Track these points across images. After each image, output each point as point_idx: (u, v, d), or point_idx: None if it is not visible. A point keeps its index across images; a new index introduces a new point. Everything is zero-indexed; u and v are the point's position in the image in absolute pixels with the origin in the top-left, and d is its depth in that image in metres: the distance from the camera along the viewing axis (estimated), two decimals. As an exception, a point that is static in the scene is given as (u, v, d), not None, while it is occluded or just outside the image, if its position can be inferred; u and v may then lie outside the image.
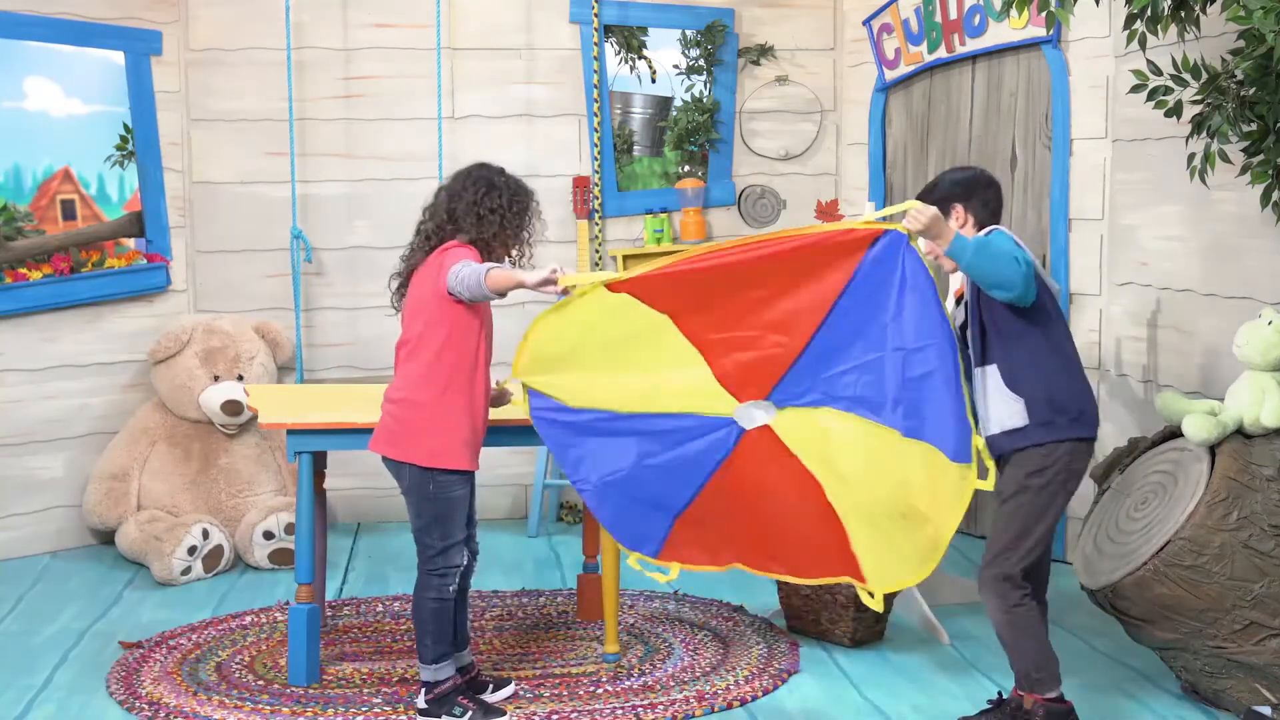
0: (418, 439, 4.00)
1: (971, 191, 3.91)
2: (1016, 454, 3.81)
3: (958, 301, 3.99)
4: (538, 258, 6.68)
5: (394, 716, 4.14)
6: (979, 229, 3.89)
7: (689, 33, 6.71)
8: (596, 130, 6.59)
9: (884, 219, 3.78)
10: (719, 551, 4.08)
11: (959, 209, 3.90)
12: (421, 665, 4.13)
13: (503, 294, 3.92)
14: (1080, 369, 3.86)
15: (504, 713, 4.14)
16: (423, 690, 4.13)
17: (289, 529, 5.74)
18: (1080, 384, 3.84)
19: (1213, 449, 4.07)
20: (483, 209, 4.07)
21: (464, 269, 3.92)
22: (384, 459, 4.10)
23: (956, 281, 4.11)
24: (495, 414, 4.45)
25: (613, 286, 3.94)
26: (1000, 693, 4.13)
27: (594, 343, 4.01)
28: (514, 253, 4.18)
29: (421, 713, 4.12)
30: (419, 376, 4.00)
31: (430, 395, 3.99)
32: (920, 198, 3.92)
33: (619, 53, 6.70)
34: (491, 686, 4.30)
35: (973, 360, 3.86)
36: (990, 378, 3.81)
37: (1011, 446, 3.81)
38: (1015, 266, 3.63)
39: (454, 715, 4.08)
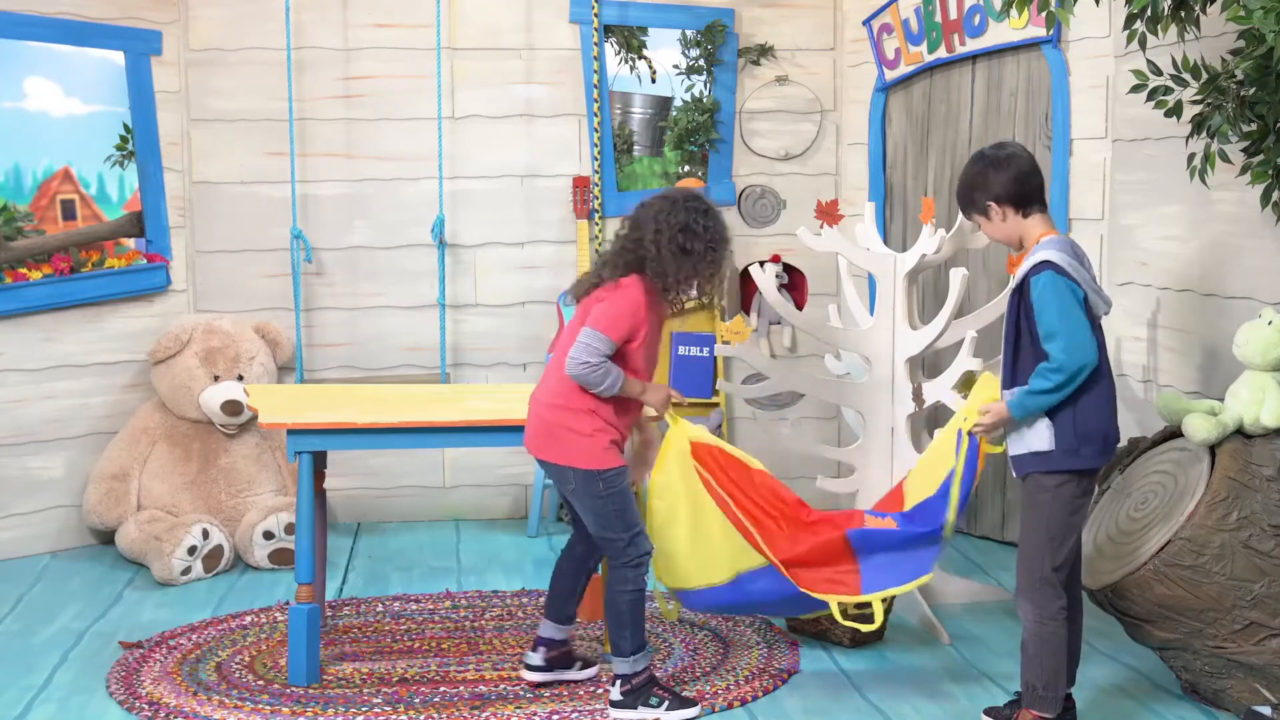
0: (575, 442, 4.07)
1: (990, 181, 3.85)
2: (1034, 474, 3.82)
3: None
4: (539, 254, 6.72)
5: (394, 716, 4.14)
6: (1017, 210, 3.83)
7: (689, 33, 6.71)
8: (596, 130, 6.59)
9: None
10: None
11: (994, 206, 3.85)
12: (618, 659, 4.13)
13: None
14: (1113, 394, 3.82)
15: (696, 702, 4.15)
16: (617, 682, 4.13)
17: (289, 529, 5.74)
18: (1109, 412, 3.80)
19: (1213, 449, 4.07)
20: (685, 244, 4.06)
21: (594, 371, 3.98)
22: (542, 461, 4.16)
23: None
24: (491, 414, 4.49)
25: (695, 449, 4.23)
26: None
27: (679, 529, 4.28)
28: (703, 289, 4.21)
29: (615, 704, 4.12)
30: (573, 384, 4.07)
31: (584, 403, 4.06)
32: (957, 197, 3.96)
33: (619, 53, 6.69)
34: (580, 665, 4.40)
35: (1003, 379, 3.86)
36: None
37: (1034, 469, 3.80)
38: (1052, 376, 3.68)
39: (651, 706, 4.09)
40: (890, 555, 4.18)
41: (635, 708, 4.10)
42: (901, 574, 4.16)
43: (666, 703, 4.10)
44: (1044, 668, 3.82)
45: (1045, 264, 3.73)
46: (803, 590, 4.17)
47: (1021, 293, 3.78)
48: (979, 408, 3.87)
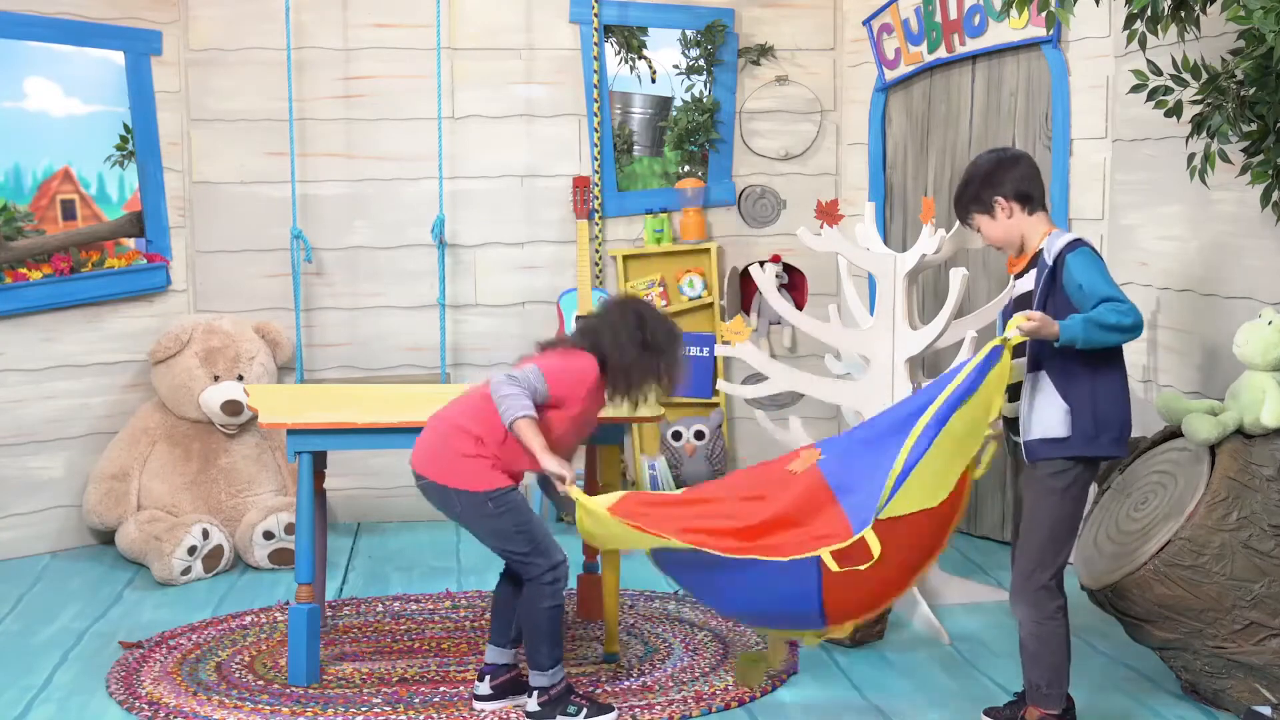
0: (455, 463, 4.01)
1: (1001, 177, 3.86)
2: (1047, 460, 3.79)
3: (1016, 276, 3.94)
4: (539, 254, 6.73)
5: (394, 716, 4.14)
6: (1024, 208, 3.85)
7: (689, 33, 6.72)
8: (596, 130, 6.60)
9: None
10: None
11: (1000, 200, 3.87)
12: (536, 673, 4.07)
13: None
14: (1127, 385, 3.82)
15: (613, 708, 4.11)
16: (535, 694, 4.07)
17: (289, 529, 5.74)
18: (1126, 401, 3.79)
19: (1213, 449, 4.07)
20: (622, 338, 4.08)
21: (512, 391, 3.96)
22: (425, 485, 4.09)
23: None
24: None
25: (613, 510, 3.94)
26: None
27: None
28: (645, 393, 4.18)
29: (531, 715, 4.07)
30: (472, 412, 4.06)
31: (476, 428, 4.02)
32: (957, 198, 3.95)
33: (619, 53, 6.70)
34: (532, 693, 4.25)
35: (1028, 363, 3.82)
36: (1042, 380, 3.77)
37: (1048, 455, 3.77)
38: (1122, 316, 3.60)
39: (569, 714, 4.05)
40: (864, 476, 3.83)
41: (554, 717, 4.06)
42: (877, 484, 3.74)
43: (585, 709, 4.06)
44: (1046, 665, 3.83)
45: (1077, 241, 3.79)
46: (788, 559, 3.81)
47: (1055, 272, 3.77)
48: (1022, 312, 3.71)
